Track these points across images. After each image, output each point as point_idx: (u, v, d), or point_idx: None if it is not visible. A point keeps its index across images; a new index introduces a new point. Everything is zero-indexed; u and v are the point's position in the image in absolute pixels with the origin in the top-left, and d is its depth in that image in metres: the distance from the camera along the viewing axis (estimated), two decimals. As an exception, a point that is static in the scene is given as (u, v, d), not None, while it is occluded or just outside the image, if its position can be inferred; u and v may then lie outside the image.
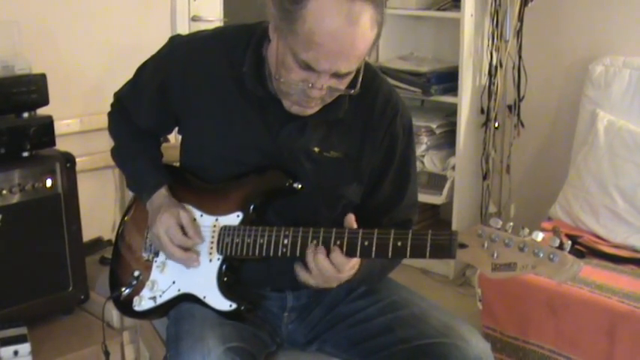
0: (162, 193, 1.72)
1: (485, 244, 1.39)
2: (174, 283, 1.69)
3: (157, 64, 1.76)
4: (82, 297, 2.36)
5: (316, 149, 1.63)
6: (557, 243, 1.36)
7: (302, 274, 1.56)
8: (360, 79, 1.56)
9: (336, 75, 1.48)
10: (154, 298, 1.71)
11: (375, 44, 1.52)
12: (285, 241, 1.55)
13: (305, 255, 1.53)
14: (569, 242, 1.37)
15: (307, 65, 1.46)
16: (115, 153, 1.89)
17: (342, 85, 1.53)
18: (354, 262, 1.55)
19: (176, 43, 1.75)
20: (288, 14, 1.43)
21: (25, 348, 2.12)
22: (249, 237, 1.59)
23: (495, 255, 1.38)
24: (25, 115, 2.24)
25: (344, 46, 1.43)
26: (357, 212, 1.77)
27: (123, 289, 1.76)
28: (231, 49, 1.65)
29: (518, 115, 3.32)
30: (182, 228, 1.65)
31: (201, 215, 1.68)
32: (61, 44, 2.64)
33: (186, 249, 1.65)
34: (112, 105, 1.90)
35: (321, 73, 1.47)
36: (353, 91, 1.54)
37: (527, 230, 1.38)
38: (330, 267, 1.51)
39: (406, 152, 1.72)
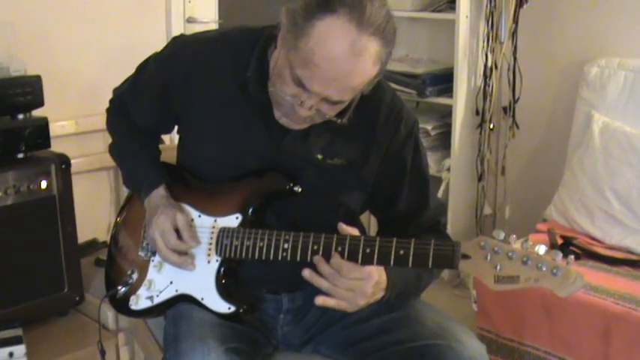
0: (160, 193, 1.72)
1: (488, 256, 1.39)
2: (171, 283, 1.69)
3: (159, 64, 1.75)
4: (77, 298, 2.35)
5: (319, 157, 1.62)
6: (560, 257, 1.35)
7: (329, 302, 1.52)
8: (351, 110, 1.54)
9: (327, 100, 1.47)
10: (150, 298, 1.71)
11: (375, 81, 1.50)
12: (286, 246, 1.54)
13: (305, 260, 1.52)
14: (572, 257, 1.37)
15: (300, 82, 1.45)
16: (113, 149, 1.88)
17: (332, 111, 1.51)
18: (374, 274, 1.51)
19: (180, 43, 1.74)
20: (297, 29, 1.42)
21: (20, 349, 2.11)
22: (249, 240, 1.58)
23: (498, 267, 1.37)
24: (20, 116, 2.23)
25: (340, 74, 1.42)
26: (382, 224, 1.76)
27: (119, 287, 1.75)
28: (235, 52, 1.64)
29: (514, 116, 3.33)
30: (178, 231, 1.64)
31: (200, 216, 1.68)
32: (56, 46, 2.63)
33: (181, 252, 1.64)
34: (111, 101, 1.89)
35: (312, 93, 1.45)
36: (340, 120, 1.52)
37: (530, 243, 1.37)
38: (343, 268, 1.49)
39: (416, 159, 1.71)
